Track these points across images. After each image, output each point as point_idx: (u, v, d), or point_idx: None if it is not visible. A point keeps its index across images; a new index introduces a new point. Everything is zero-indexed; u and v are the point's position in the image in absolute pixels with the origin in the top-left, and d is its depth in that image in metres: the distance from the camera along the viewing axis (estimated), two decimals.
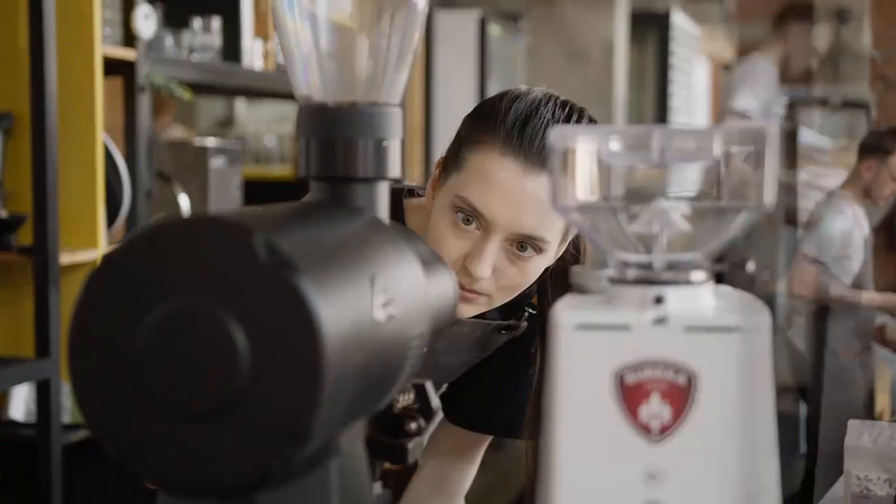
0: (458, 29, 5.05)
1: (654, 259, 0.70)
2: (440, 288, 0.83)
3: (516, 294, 1.34)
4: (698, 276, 0.69)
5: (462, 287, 1.28)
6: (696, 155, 0.68)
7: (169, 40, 3.13)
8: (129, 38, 2.83)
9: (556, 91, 1.38)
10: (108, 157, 2.73)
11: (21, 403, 2.92)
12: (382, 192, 0.79)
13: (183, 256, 0.61)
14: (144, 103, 2.87)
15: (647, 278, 0.69)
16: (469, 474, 1.59)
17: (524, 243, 1.28)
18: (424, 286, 0.77)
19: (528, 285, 1.33)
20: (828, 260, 4.61)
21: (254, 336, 0.60)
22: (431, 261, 0.84)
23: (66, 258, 2.53)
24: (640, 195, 0.70)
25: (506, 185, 1.26)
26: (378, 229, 0.76)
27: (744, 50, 8.87)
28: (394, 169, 0.79)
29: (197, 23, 3.28)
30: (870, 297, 4.97)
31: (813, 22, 4.76)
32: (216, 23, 3.33)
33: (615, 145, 0.69)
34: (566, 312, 0.68)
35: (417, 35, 0.83)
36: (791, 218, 5.02)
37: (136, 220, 2.82)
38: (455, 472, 1.57)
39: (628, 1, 5.93)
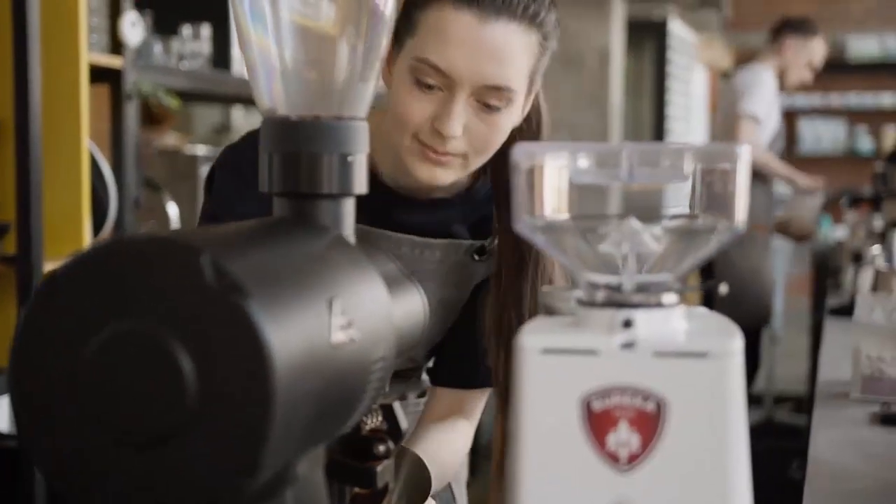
0: None
1: (624, 280, 0.67)
2: (406, 307, 0.81)
3: (490, 154, 1.31)
4: (669, 298, 0.67)
5: (435, 150, 1.27)
6: (667, 174, 0.66)
7: (158, 47, 3.11)
8: (117, 46, 2.80)
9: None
10: (95, 165, 2.70)
11: (5, 414, 2.89)
12: (348, 209, 0.77)
13: (129, 277, 0.59)
14: (131, 111, 2.84)
15: (617, 301, 0.67)
16: (470, 432, 1.51)
17: (489, 103, 1.27)
18: (388, 306, 0.74)
19: (501, 141, 1.31)
20: (763, 121, 4.61)
21: (201, 361, 0.57)
22: (398, 279, 0.81)
23: (50, 268, 2.50)
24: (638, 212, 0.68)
25: (464, 37, 1.24)
26: (341, 248, 0.73)
27: (741, 58, 8.87)
28: (360, 185, 0.77)
29: (186, 30, 3.26)
30: (800, 175, 4.98)
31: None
32: (206, 30, 3.30)
33: (584, 162, 0.67)
34: (531, 336, 0.66)
35: (384, 44, 0.80)
36: (781, 227, 4.99)
37: (123, 228, 2.79)
38: (456, 429, 1.48)
39: (624, 9, 5.91)
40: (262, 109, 0.77)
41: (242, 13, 0.77)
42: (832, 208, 6.40)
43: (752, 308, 4.44)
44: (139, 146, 3.03)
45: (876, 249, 2.89)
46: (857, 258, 3.20)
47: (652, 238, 0.66)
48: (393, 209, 1.40)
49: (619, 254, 0.67)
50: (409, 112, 1.27)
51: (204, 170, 3.26)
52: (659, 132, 7.24)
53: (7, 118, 2.47)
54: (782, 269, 6.01)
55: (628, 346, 0.64)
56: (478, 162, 1.32)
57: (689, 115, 8.13)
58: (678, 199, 0.71)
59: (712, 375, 0.63)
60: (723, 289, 0.67)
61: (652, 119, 7.29)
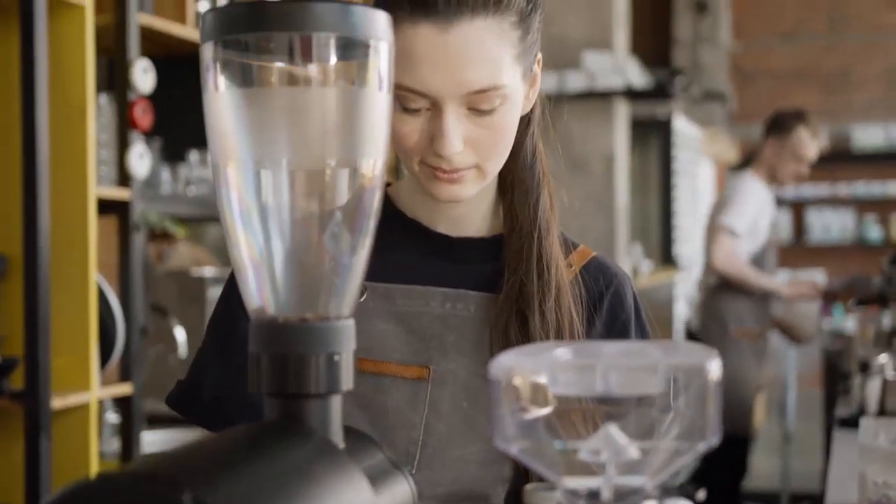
0: None
1: (602, 488, 0.68)
2: (392, 499, 0.81)
3: (504, 155, 1.25)
4: None
5: (444, 171, 1.22)
6: (641, 386, 0.67)
7: (166, 174, 3.15)
8: (125, 177, 2.84)
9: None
10: (102, 296, 2.72)
11: None
12: (335, 408, 0.78)
13: None
14: (139, 241, 2.87)
15: None
16: None
17: (481, 108, 1.20)
18: None
19: (511, 139, 1.25)
20: (743, 234, 4.59)
21: None
22: (385, 470, 0.82)
23: (58, 402, 2.50)
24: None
25: (426, 51, 1.17)
26: (326, 453, 0.74)
27: (746, 149, 8.93)
28: (346, 382, 0.78)
29: (193, 156, 3.31)
30: (784, 285, 4.91)
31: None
32: None
33: (561, 376, 0.68)
34: None
35: (370, 240, 0.81)
36: (781, 327, 4.95)
37: (131, 358, 2.81)
38: None
39: (628, 111, 5.97)
40: (251, 309, 0.79)
41: (231, 217, 0.79)
42: (843, 300, 6.39)
43: (737, 415, 4.42)
44: (148, 262, 3.06)
45: (883, 358, 2.88)
46: (865, 367, 3.19)
47: (631, 447, 0.67)
48: (427, 256, 1.34)
49: (597, 461, 0.68)
50: (403, 139, 1.22)
51: (211, 292, 3.28)
52: (666, 230, 7.27)
53: (16, 254, 2.50)
54: (794, 364, 5.99)
55: None
56: (494, 166, 1.26)
57: (695, 210, 8.17)
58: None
59: None
60: (700, 495, 0.68)
61: (659, 216, 7.32)
